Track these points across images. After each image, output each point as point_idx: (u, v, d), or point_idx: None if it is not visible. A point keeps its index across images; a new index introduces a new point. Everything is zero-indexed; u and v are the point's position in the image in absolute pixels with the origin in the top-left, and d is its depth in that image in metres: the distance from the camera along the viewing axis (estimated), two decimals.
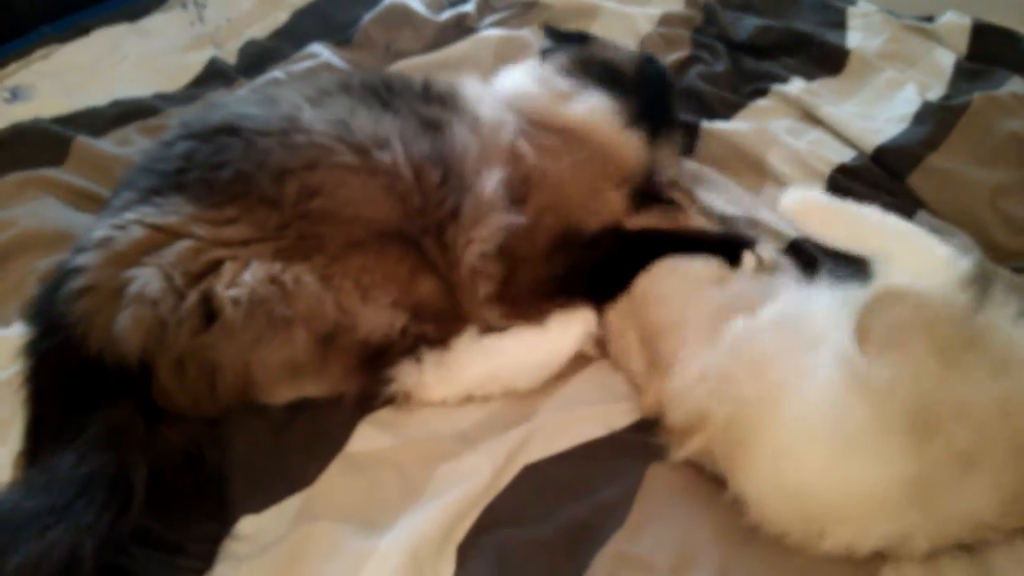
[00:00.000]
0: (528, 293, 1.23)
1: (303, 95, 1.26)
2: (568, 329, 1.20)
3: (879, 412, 0.87)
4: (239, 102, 1.25)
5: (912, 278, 1.00)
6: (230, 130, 1.17)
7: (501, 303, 1.23)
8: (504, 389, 1.17)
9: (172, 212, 1.10)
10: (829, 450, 0.89)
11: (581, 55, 1.50)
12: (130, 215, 1.10)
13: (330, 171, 1.15)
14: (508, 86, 1.45)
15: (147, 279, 1.04)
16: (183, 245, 1.07)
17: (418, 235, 1.19)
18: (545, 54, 1.53)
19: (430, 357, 1.14)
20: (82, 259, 1.08)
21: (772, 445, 0.93)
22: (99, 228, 1.11)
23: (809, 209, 1.12)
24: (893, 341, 0.90)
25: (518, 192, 1.26)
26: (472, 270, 1.21)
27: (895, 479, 0.86)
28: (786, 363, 0.96)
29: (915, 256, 1.02)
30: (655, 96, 1.49)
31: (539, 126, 1.34)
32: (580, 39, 1.58)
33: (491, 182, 1.23)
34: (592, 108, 1.38)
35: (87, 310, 1.04)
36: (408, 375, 1.13)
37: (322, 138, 1.16)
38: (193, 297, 1.04)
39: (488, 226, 1.22)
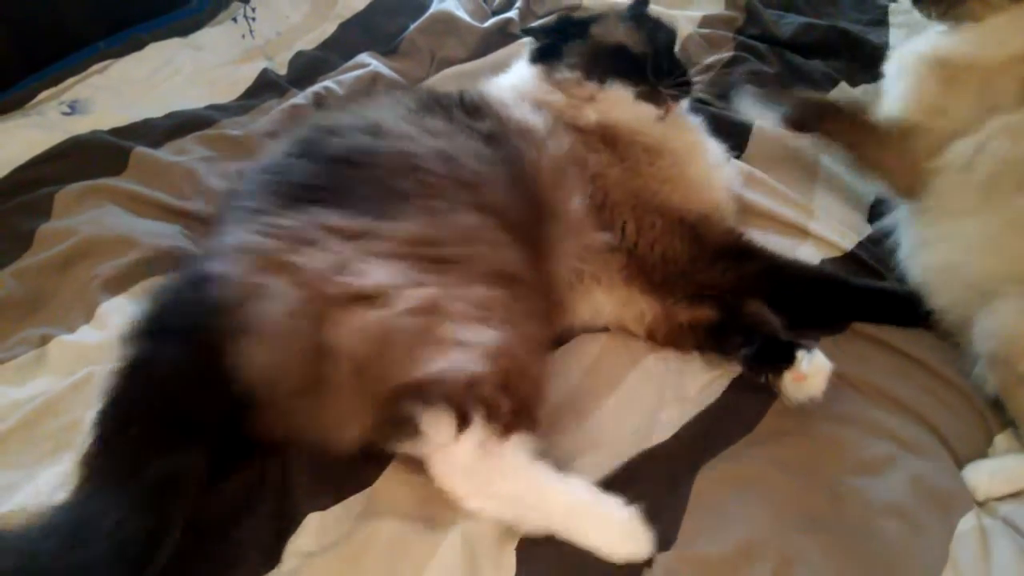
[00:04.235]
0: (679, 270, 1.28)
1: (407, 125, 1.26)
2: (631, 538, 0.97)
3: None
4: (351, 131, 1.24)
5: None
6: (349, 162, 1.18)
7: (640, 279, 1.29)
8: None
9: (307, 223, 1.07)
10: None
11: (586, 50, 1.42)
12: (266, 221, 1.08)
13: (447, 215, 1.13)
14: (515, 87, 1.43)
15: (278, 291, 0.99)
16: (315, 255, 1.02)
17: (523, 270, 1.15)
18: (543, 55, 1.45)
19: (475, 433, 0.99)
20: (220, 266, 1.03)
21: None
22: (232, 235, 1.09)
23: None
24: None
25: (605, 208, 1.30)
26: (574, 272, 1.28)
27: None
28: None
29: None
30: (665, 56, 1.44)
31: (585, 134, 1.35)
32: (573, 30, 1.46)
33: (575, 203, 1.28)
34: (621, 106, 1.38)
35: (226, 322, 0.98)
36: (438, 432, 0.99)
37: (432, 177, 1.17)
38: (317, 317, 0.98)
39: (580, 243, 1.28)
